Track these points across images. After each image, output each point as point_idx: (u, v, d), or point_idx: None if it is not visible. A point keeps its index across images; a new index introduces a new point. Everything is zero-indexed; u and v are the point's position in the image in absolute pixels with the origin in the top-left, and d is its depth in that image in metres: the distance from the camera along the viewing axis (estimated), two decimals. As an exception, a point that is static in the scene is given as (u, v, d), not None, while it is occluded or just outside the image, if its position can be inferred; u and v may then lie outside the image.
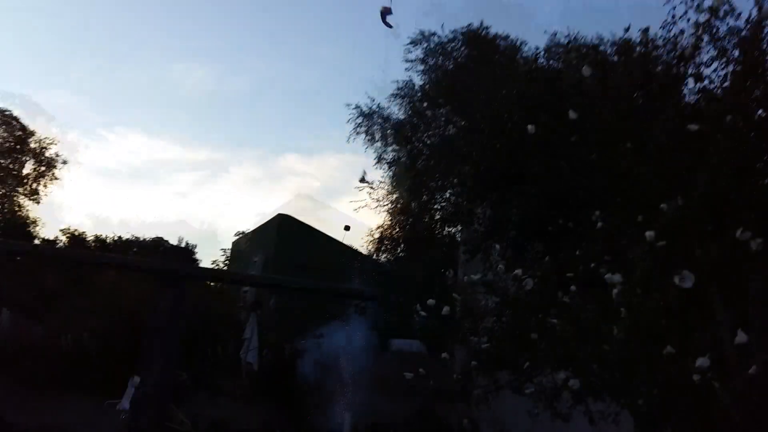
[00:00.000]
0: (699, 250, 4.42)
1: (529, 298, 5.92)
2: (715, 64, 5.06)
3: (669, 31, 5.97)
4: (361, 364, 12.48)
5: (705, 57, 5.17)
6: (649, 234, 4.69)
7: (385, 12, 12.84)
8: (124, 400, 5.79)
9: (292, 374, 12.04)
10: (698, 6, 4.79)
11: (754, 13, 4.56)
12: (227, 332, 13.92)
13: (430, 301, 6.50)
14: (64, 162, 23.60)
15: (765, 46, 4.58)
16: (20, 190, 23.20)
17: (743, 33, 4.60)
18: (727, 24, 4.68)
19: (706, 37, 4.76)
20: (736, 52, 4.72)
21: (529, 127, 6.16)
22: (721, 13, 4.64)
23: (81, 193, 48.46)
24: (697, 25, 4.81)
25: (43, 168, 23.61)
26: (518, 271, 6.01)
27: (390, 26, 13.37)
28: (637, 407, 4.89)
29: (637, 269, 4.78)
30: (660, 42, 6.43)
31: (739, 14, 4.63)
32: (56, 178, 23.48)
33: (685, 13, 5.54)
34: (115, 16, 45.83)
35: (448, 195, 13.30)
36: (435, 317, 6.57)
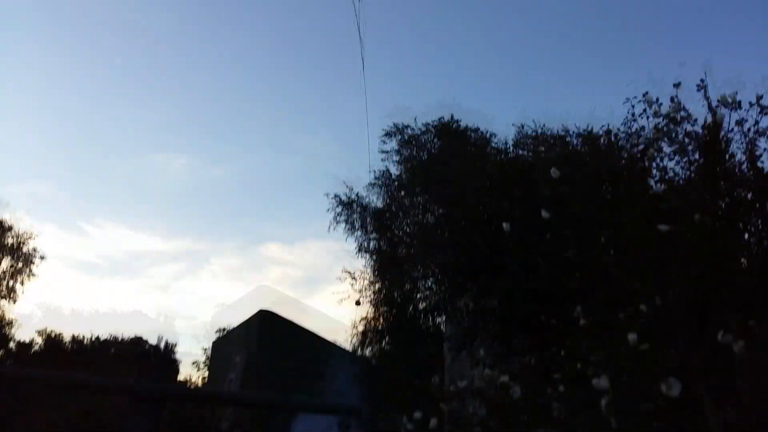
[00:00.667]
0: (684, 355, 4.22)
1: (517, 405, 5.64)
2: (676, 160, 5.06)
3: (630, 127, 6.05)
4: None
5: (667, 151, 5.18)
6: (631, 337, 4.52)
7: None
8: None
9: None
10: (655, 112, 4.84)
11: (709, 118, 4.61)
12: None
13: (417, 414, 6.22)
14: (42, 257, 22.96)
15: (722, 146, 4.59)
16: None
17: (701, 136, 4.63)
18: (685, 129, 4.72)
19: (665, 139, 4.77)
20: (696, 154, 4.73)
21: (504, 225, 6.10)
22: (678, 118, 4.67)
23: (58, 288, 47.42)
24: (657, 129, 4.84)
25: (20, 264, 22.93)
26: (504, 378, 5.75)
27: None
28: None
29: (623, 374, 4.56)
30: (622, 136, 6.52)
31: (695, 120, 4.67)
32: (33, 275, 22.81)
33: (644, 111, 5.63)
34: (94, 107, 46.43)
35: (430, 283, 13.09)
36: (422, 429, 6.29)
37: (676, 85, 4.78)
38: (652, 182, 5.62)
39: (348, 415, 6.59)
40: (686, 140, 4.75)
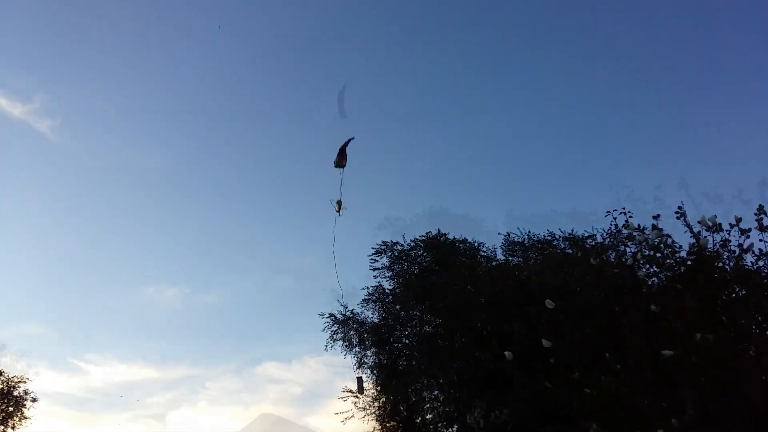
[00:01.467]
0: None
1: None
2: (666, 276, 5.23)
3: (615, 238, 6.26)
4: None
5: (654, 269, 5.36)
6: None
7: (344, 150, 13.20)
8: None
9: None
10: (639, 242, 5.06)
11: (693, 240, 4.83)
12: None
13: None
14: (34, 399, 22.23)
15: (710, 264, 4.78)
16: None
17: (688, 261, 4.84)
18: (673, 257, 4.92)
19: (653, 265, 4.97)
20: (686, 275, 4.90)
21: (507, 354, 6.15)
22: (663, 247, 4.90)
23: (52, 427, 45.48)
24: (644, 256, 5.04)
25: (11, 408, 22.14)
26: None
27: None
28: None
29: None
30: (607, 243, 6.72)
31: (680, 246, 4.90)
32: (25, 418, 21.98)
33: (627, 222, 5.87)
34: (82, 244, 46.50)
35: (436, 393, 12.87)
36: None
37: (656, 217, 5.04)
38: (644, 291, 5.75)
39: None
40: (674, 263, 4.95)
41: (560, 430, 6.24)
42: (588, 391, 5.71)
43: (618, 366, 5.44)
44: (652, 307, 5.10)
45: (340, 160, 14.32)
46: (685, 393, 4.45)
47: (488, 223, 12.24)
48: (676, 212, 4.96)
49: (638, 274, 5.32)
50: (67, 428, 44.56)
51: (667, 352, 4.52)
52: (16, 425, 22.17)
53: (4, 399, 22.10)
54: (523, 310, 7.37)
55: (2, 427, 21.96)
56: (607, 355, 5.62)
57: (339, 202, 15.06)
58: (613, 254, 7.15)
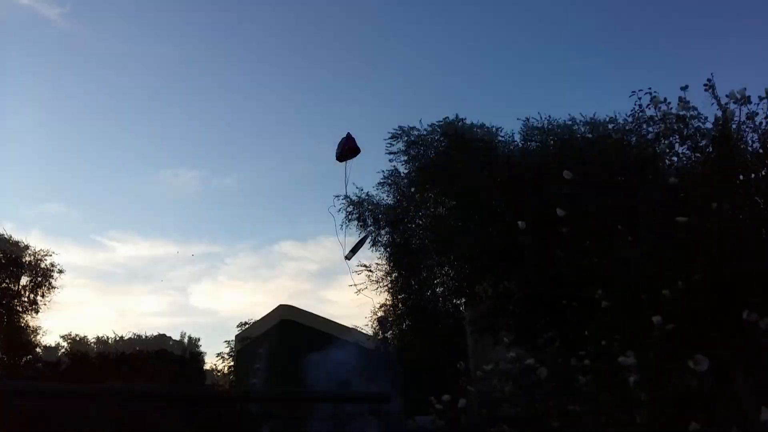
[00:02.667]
0: (712, 333, 4.34)
1: (545, 384, 5.75)
2: (687, 153, 5.14)
3: (638, 118, 6.12)
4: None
5: (677, 146, 5.26)
6: (656, 319, 4.62)
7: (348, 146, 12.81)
8: None
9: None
10: (664, 114, 4.91)
11: (719, 113, 4.68)
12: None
13: (446, 397, 6.32)
14: (60, 271, 23.23)
15: (735, 137, 4.67)
16: (17, 304, 22.77)
17: (713, 133, 4.71)
18: (695, 126, 4.80)
19: (676, 136, 4.86)
20: (708, 149, 4.80)
21: (520, 223, 6.15)
22: (688, 117, 4.75)
23: (79, 297, 47.67)
24: (666, 127, 4.91)
25: (39, 278, 23.21)
26: (530, 361, 5.86)
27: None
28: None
29: (651, 353, 4.68)
30: (630, 125, 6.57)
31: (706, 118, 4.75)
32: (53, 288, 23.06)
33: (651, 102, 5.69)
34: (99, 126, 46.43)
35: (447, 270, 13.20)
36: (451, 409, 6.37)
37: (684, 88, 4.85)
38: (665, 169, 5.70)
39: (377, 403, 6.67)
40: (697, 135, 4.83)
41: (567, 296, 6.40)
42: (597, 260, 5.80)
43: (629, 237, 5.46)
44: (671, 179, 5.07)
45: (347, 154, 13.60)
46: (694, 258, 4.49)
47: (504, 133, 11.99)
48: (705, 84, 4.78)
49: (660, 146, 5.23)
50: (94, 298, 46.55)
51: (681, 219, 4.52)
52: (45, 293, 23.30)
53: (32, 270, 23.10)
54: (539, 187, 7.37)
55: (33, 296, 23.11)
56: (619, 227, 5.64)
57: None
58: (635, 138, 7.00)
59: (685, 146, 5.16)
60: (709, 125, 4.81)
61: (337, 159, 13.44)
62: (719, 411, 4.71)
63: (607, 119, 9.04)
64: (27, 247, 22.66)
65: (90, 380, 17.79)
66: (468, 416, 6.20)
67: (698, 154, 4.89)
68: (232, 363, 27.92)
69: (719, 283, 4.41)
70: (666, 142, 5.11)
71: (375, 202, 16.80)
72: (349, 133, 11.98)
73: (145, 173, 49.03)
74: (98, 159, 48.28)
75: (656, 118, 5.64)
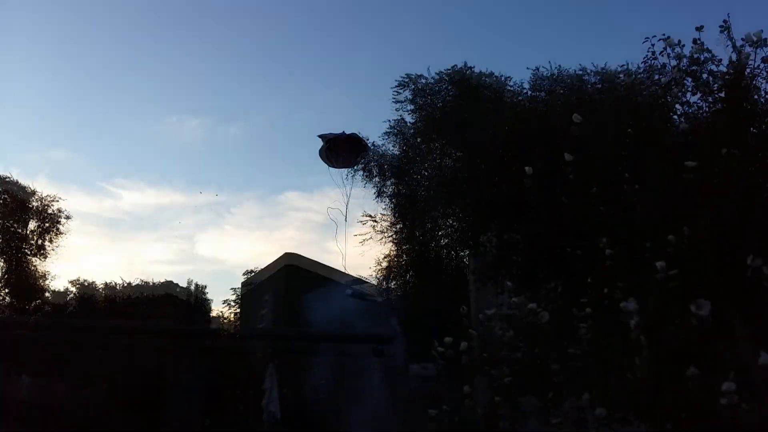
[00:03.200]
0: (713, 276, 4.37)
1: (546, 329, 5.83)
2: (699, 98, 5.06)
3: (650, 65, 6.00)
4: (381, 395, 12.31)
5: (689, 90, 5.18)
6: (660, 264, 4.65)
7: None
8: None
9: (313, 412, 11.82)
10: (678, 56, 4.81)
11: (734, 57, 4.57)
12: (246, 379, 13.72)
13: (448, 339, 6.40)
14: (68, 217, 23.33)
15: (748, 82, 4.58)
16: (26, 248, 22.94)
17: (726, 76, 4.61)
18: (708, 69, 4.70)
19: (689, 79, 4.77)
20: (721, 93, 4.72)
21: (527, 168, 6.13)
22: (702, 59, 4.65)
23: (86, 244, 48.03)
24: (679, 69, 4.82)
25: (47, 224, 23.32)
26: (533, 305, 5.92)
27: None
28: (665, 430, 4.79)
29: (652, 298, 4.72)
30: (642, 73, 6.46)
31: (720, 60, 4.65)
32: (61, 233, 23.21)
33: (665, 49, 5.57)
34: (101, 71, 45.89)
35: (451, 221, 13.23)
36: (453, 352, 6.46)
37: (699, 29, 4.73)
38: (675, 118, 5.63)
39: (380, 343, 6.79)
40: (710, 79, 4.75)
41: (571, 244, 6.42)
42: (603, 209, 5.80)
43: (637, 186, 5.45)
44: (681, 125, 5.02)
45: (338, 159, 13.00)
46: (701, 204, 4.49)
47: (513, 82, 11.77)
48: (720, 26, 4.66)
49: (671, 93, 5.16)
50: (101, 245, 46.93)
51: (690, 163, 4.50)
52: (52, 239, 23.47)
53: (39, 216, 23.19)
54: (547, 135, 7.32)
55: (41, 241, 23.27)
56: (627, 175, 5.61)
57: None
58: (646, 86, 6.89)
59: (698, 95, 5.08)
60: (723, 68, 4.71)
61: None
62: (718, 356, 4.79)
63: (619, 69, 8.93)
64: (34, 192, 22.71)
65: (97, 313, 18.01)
66: (469, 358, 6.30)
67: (710, 99, 4.82)
68: (238, 310, 28.37)
69: (725, 230, 4.42)
70: (678, 87, 5.01)
71: (381, 152, 16.73)
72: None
73: (149, 120, 48.64)
74: (102, 105, 47.88)
75: (669, 66, 5.53)
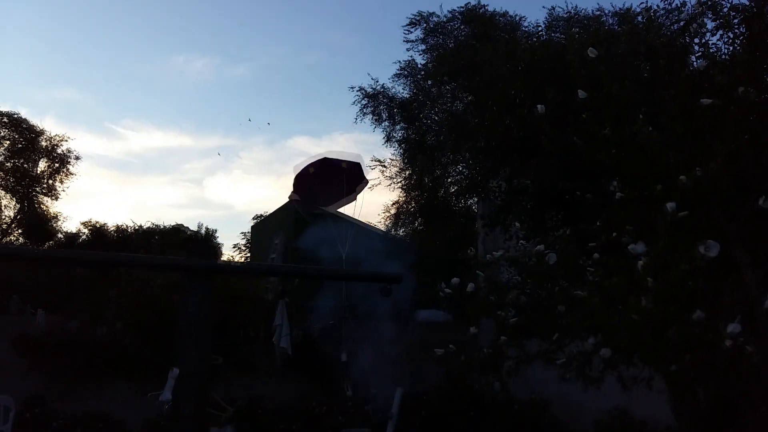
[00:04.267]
0: (723, 218, 4.35)
1: (553, 271, 5.86)
2: (719, 35, 4.92)
3: (670, 3, 5.83)
4: (389, 337, 12.56)
5: (709, 27, 5.04)
6: (670, 205, 4.63)
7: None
8: (165, 392, 5.85)
9: (322, 350, 12.11)
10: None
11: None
12: (257, 315, 14.01)
13: (455, 280, 6.44)
14: (77, 157, 23.39)
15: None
16: (37, 188, 23.09)
17: (747, 11, 4.46)
18: (730, 2, 4.55)
19: (709, 13, 4.62)
20: (741, 27, 4.58)
21: (539, 106, 6.04)
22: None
23: (96, 186, 48.40)
24: (699, 3, 4.67)
25: (56, 165, 23.36)
26: (540, 247, 5.93)
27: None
28: (669, 372, 4.87)
29: (661, 239, 4.72)
30: (661, 12, 6.27)
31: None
32: (71, 174, 23.30)
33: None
34: (106, 11, 45.24)
35: (460, 168, 13.20)
36: (460, 294, 6.51)
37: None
38: (693, 59, 5.51)
39: (388, 283, 6.85)
40: (731, 14, 4.61)
41: (582, 187, 6.39)
42: (614, 151, 5.73)
43: (650, 128, 5.36)
44: (699, 63, 4.91)
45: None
46: (715, 145, 4.43)
47: (528, 23, 11.37)
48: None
49: (690, 30, 5.01)
50: (111, 188, 47.32)
51: (705, 101, 4.41)
52: (63, 180, 23.55)
53: (48, 156, 23.19)
54: (561, 75, 7.18)
55: (51, 181, 23.40)
56: (641, 116, 5.52)
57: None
58: (667, 21, 6.69)
59: (717, 35, 4.94)
60: (745, 1, 4.56)
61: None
62: (725, 299, 4.82)
63: (638, 10, 8.65)
64: (42, 131, 22.67)
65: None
66: (475, 301, 6.37)
67: (730, 35, 4.69)
68: (248, 255, 28.74)
69: (737, 171, 4.37)
70: (697, 24, 4.87)
71: (390, 95, 16.58)
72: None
73: (156, 59, 48.25)
74: (109, 43, 47.38)
75: (689, 4, 5.36)
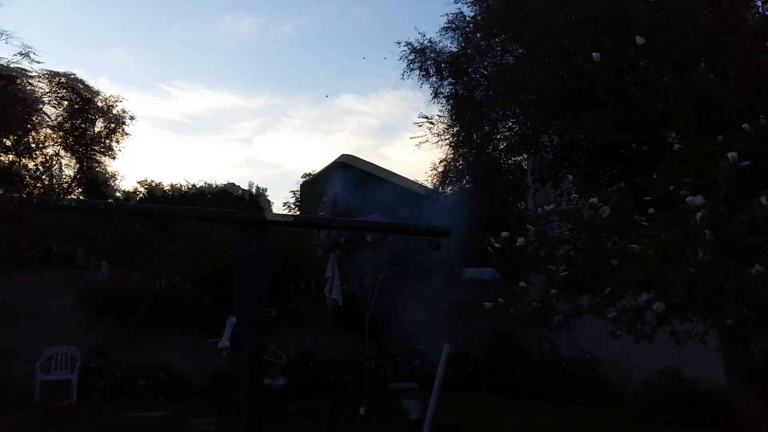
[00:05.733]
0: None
1: (606, 225, 5.79)
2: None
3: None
4: (437, 294, 12.70)
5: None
6: (731, 155, 4.49)
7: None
8: (224, 339, 6.11)
9: (372, 305, 12.28)
10: None
11: None
12: (308, 269, 14.33)
13: (504, 233, 6.41)
14: (132, 117, 24.00)
15: None
16: (95, 148, 23.87)
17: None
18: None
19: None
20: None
21: (594, 54, 5.88)
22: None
23: (149, 146, 49.60)
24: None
25: (112, 125, 24.07)
26: (594, 200, 5.85)
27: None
28: (725, 326, 4.80)
29: (721, 191, 4.60)
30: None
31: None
32: (127, 134, 23.99)
33: None
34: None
35: (510, 124, 13.01)
36: (509, 248, 6.48)
37: None
38: (758, 2, 5.26)
39: (437, 236, 6.87)
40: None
41: (638, 139, 6.24)
42: (674, 100, 5.56)
43: (712, 76, 5.17)
44: (763, 7, 4.69)
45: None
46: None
47: None
48: None
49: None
50: (164, 148, 48.50)
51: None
52: (119, 140, 24.30)
53: (104, 116, 23.89)
54: (617, 24, 6.95)
55: (108, 141, 24.14)
56: (702, 64, 5.33)
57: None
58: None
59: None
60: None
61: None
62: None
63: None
64: (98, 92, 23.33)
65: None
66: (524, 255, 6.36)
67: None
68: (298, 213, 29.31)
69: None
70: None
71: (438, 49, 16.33)
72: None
73: (203, 19, 48.53)
74: (156, 3, 47.90)
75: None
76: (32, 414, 11.36)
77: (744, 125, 4.43)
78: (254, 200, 13.67)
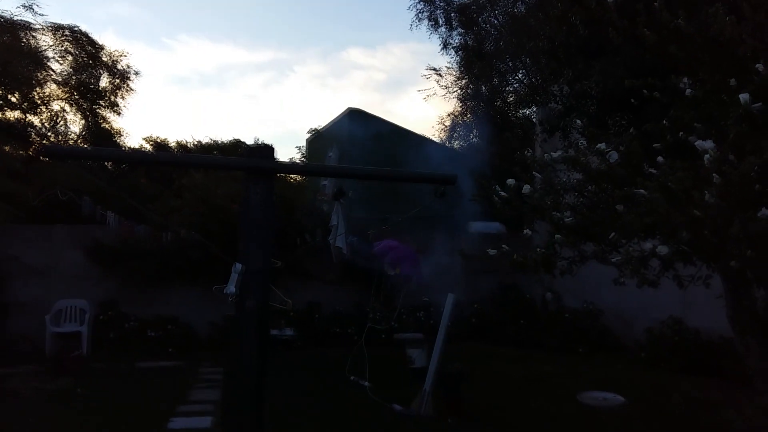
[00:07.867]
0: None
1: (614, 171, 5.77)
2: None
3: None
4: (442, 247, 12.77)
5: None
6: (743, 96, 4.46)
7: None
8: (230, 285, 6.16)
9: (376, 257, 12.35)
10: None
11: None
12: (313, 221, 14.42)
13: (510, 181, 6.40)
14: (137, 73, 23.69)
15: None
16: (101, 103, 23.69)
17: None
18: None
19: None
20: None
21: (608, -4, 5.77)
22: None
23: (156, 102, 49.15)
24: None
25: (117, 80, 23.79)
26: (601, 145, 5.83)
27: None
28: (729, 270, 4.84)
29: (731, 134, 4.58)
30: None
31: None
32: (132, 90, 23.76)
33: None
34: None
35: (520, 76, 12.85)
36: (515, 196, 6.48)
37: None
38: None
39: (442, 184, 6.87)
40: None
41: (649, 85, 6.16)
42: (687, 43, 5.48)
43: (728, 18, 5.07)
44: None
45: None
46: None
47: None
48: None
49: None
50: (170, 104, 48.14)
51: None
52: (124, 96, 24.10)
53: (110, 71, 23.60)
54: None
55: (113, 97, 23.96)
56: (717, 4, 5.22)
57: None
58: None
59: None
60: None
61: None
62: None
63: None
64: (102, 47, 23.01)
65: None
66: (531, 202, 6.36)
67: None
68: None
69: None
70: None
71: (447, -2, 16.00)
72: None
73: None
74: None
75: None
76: (44, 365, 11.65)
77: (757, 65, 4.37)
78: (265, 147, 13.66)
